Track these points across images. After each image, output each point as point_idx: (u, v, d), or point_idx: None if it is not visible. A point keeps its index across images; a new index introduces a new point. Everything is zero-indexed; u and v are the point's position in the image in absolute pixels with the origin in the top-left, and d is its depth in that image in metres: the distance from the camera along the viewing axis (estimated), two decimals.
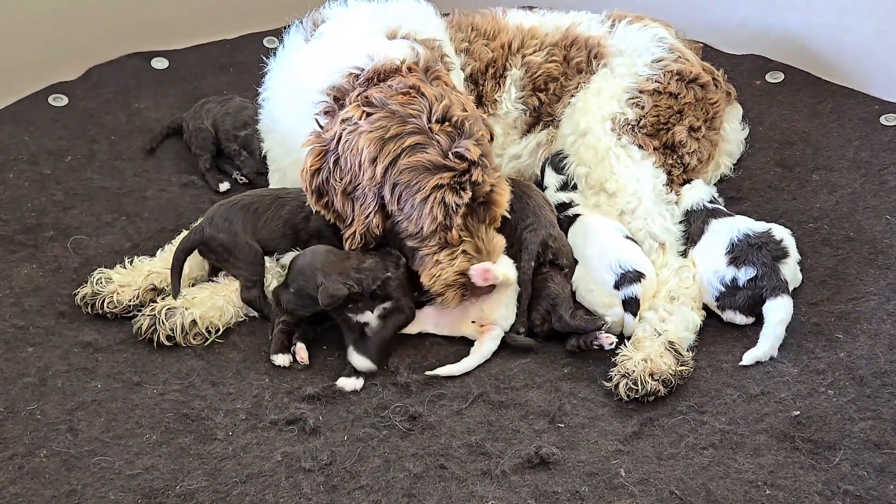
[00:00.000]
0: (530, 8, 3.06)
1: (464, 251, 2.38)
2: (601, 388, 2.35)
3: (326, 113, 2.49)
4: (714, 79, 2.90)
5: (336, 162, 2.39)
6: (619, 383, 2.31)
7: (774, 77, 3.41)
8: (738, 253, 2.48)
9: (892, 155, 3.00)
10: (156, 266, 2.64)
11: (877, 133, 3.10)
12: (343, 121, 2.39)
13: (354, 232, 2.42)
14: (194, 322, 2.49)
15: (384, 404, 2.32)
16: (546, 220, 2.59)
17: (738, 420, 2.23)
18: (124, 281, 2.59)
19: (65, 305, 2.59)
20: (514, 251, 2.55)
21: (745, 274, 2.44)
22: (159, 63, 3.59)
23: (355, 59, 2.49)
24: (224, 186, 3.05)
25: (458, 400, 2.34)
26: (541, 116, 2.88)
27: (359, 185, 2.37)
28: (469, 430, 2.26)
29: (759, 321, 2.43)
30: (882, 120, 3.14)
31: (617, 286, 2.46)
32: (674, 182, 2.71)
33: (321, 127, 2.47)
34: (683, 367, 2.35)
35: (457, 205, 2.31)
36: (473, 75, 2.82)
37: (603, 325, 2.43)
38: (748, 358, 2.36)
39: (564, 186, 2.75)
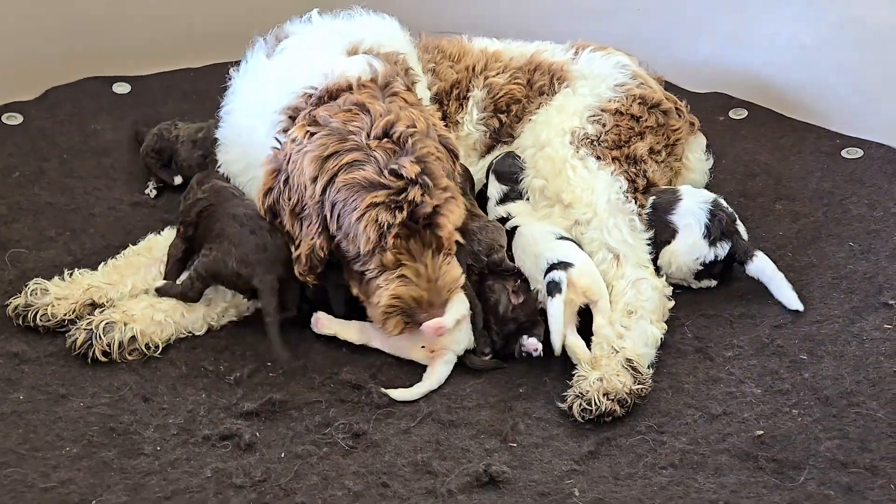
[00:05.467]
0: (496, 37, 3.06)
1: (402, 275, 2.26)
2: (557, 408, 2.24)
3: (286, 131, 2.41)
4: (677, 108, 2.89)
5: (286, 182, 2.33)
6: (573, 404, 2.21)
7: (738, 114, 3.41)
8: (713, 232, 2.54)
9: (854, 186, 2.98)
10: (96, 280, 2.51)
11: (839, 165, 3.09)
12: (291, 140, 2.34)
13: (300, 254, 2.33)
14: (133, 338, 2.36)
15: (327, 421, 2.19)
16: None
17: (699, 440, 2.12)
18: (61, 293, 2.46)
19: None
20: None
21: (722, 249, 2.55)
22: (121, 88, 3.53)
23: (312, 77, 2.43)
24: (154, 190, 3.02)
25: (406, 418, 2.21)
26: (500, 138, 2.84)
27: (305, 205, 2.30)
28: (416, 448, 2.12)
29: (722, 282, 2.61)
30: (844, 153, 3.14)
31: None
32: (637, 191, 2.65)
33: (280, 145, 2.41)
34: (641, 386, 2.24)
35: (389, 224, 2.19)
36: (438, 95, 2.80)
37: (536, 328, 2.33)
38: (794, 304, 2.48)
39: (505, 198, 2.67)
